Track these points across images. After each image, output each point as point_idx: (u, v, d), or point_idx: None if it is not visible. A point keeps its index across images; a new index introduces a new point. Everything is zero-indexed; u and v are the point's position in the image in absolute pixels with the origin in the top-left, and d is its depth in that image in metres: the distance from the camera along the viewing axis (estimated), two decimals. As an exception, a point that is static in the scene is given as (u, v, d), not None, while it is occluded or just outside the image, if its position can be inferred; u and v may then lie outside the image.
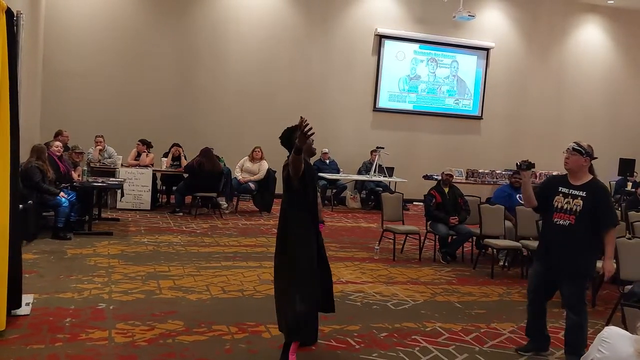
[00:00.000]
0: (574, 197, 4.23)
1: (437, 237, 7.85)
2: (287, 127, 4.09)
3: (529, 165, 4.41)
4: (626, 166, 14.13)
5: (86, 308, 4.90)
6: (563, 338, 4.45)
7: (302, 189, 3.94)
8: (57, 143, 8.41)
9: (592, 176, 4.30)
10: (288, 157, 4.02)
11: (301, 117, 3.71)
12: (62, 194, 7.57)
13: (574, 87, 14.93)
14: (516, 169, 4.62)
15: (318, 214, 4.11)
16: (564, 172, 4.44)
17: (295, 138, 3.89)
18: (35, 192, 7.32)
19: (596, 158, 4.35)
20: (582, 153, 4.23)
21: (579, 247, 4.19)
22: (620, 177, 13.81)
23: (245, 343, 4.38)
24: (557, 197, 4.30)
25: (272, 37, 12.70)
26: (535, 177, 12.53)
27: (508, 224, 7.64)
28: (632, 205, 9.06)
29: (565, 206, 4.25)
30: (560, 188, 4.31)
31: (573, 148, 4.26)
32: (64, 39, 11.54)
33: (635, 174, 13.82)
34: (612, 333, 2.10)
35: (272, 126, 12.56)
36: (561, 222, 4.25)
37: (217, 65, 12.46)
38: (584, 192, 4.21)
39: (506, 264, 7.62)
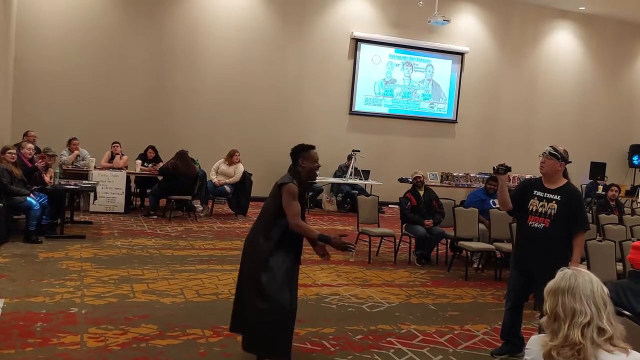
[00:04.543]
0: (549, 200, 4.29)
1: (412, 239, 7.90)
2: (302, 143, 4.11)
3: (506, 169, 4.46)
4: (597, 170, 14.39)
5: (58, 312, 4.82)
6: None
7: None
8: (30, 146, 8.28)
9: (566, 180, 4.37)
10: (289, 168, 4.01)
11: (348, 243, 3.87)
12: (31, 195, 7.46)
13: (546, 92, 15.18)
14: (493, 173, 4.68)
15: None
16: (537, 175, 4.51)
17: (301, 157, 3.95)
18: (4, 195, 7.18)
19: (570, 162, 4.42)
20: (558, 158, 4.29)
21: (553, 249, 4.26)
22: (591, 181, 14.07)
23: (219, 346, 4.35)
24: (532, 201, 4.36)
25: (248, 40, 12.67)
26: (509, 180, 12.69)
27: (482, 226, 7.74)
28: (603, 208, 9.24)
29: (540, 209, 4.31)
30: (535, 191, 4.37)
31: (549, 152, 4.31)
32: (36, 39, 11.35)
33: (605, 177, 14.09)
34: (532, 339, 2.18)
35: (247, 129, 12.74)
36: (536, 225, 4.32)
37: (192, 68, 12.38)
38: (559, 196, 4.27)
39: (480, 266, 7.70)
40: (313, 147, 4.08)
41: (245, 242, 4.08)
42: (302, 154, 4.01)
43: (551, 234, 4.25)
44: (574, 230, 4.27)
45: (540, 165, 4.38)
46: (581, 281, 2.02)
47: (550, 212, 4.26)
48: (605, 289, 2.04)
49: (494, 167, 4.53)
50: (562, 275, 2.07)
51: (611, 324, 1.97)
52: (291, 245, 3.95)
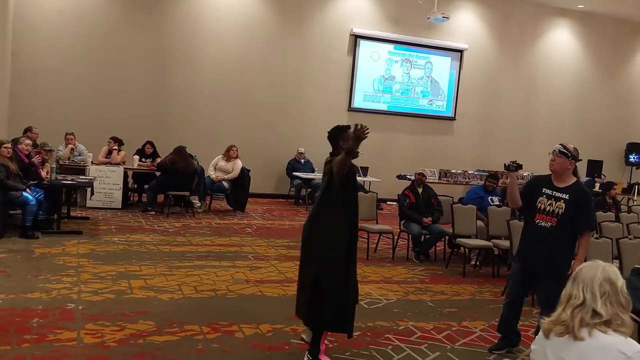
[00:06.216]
0: (557, 199, 4.26)
1: (410, 236, 7.90)
2: (337, 125, 4.16)
3: (517, 167, 4.45)
4: (594, 167, 14.41)
5: (54, 308, 4.80)
6: (533, 336, 4.51)
7: (342, 188, 3.95)
8: (28, 142, 8.24)
9: (575, 179, 4.35)
10: (331, 153, 4.09)
11: (360, 124, 3.77)
12: (28, 190, 7.43)
13: (544, 90, 15.17)
14: (504, 170, 4.67)
15: (357, 216, 4.15)
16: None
17: (341, 139, 4.00)
18: (0, 190, 7.15)
19: (580, 160, 4.40)
20: (568, 156, 4.25)
21: (559, 248, 4.24)
22: (588, 178, 14.07)
23: (217, 343, 4.34)
24: (540, 199, 4.32)
25: (247, 36, 12.63)
26: (507, 177, 12.70)
27: (480, 223, 7.73)
28: (600, 206, 9.25)
29: (548, 208, 4.27)
30: (544, 189, 4.33)
31: (559, 150, 4.27)
32: (33, 33, 11.29)
33: (603, 175, 14.09)
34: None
35: (246, 125, 12.71)
36: (543, 223, 4.29)
37: (191, 63, 12.33)
38: (567, 195, 4.23)
39: (477, 263, 7.70)
40: (349, 127, 4.09)
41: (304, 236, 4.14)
42: (340, 135, 4.06)
43: (557, 233, 4.23)
44: (580, 230, 4.26)
45: (549, 163, 4.33)
46: (585, 270, 2.20)
47: (558, 212, 4.23)
48: (617, 280, 2.16)
49: (505, 164, 4.52)
50: (583, 264, 2.28)
51: (607, 309, 2.11)
52: (347, 220, 4.00)
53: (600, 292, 2.12)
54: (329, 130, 4.15)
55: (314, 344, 4.07)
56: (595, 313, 2.10)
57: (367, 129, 3.71)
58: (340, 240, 3.95)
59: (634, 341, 2.09)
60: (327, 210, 3.99)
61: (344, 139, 4.01)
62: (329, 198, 3.99)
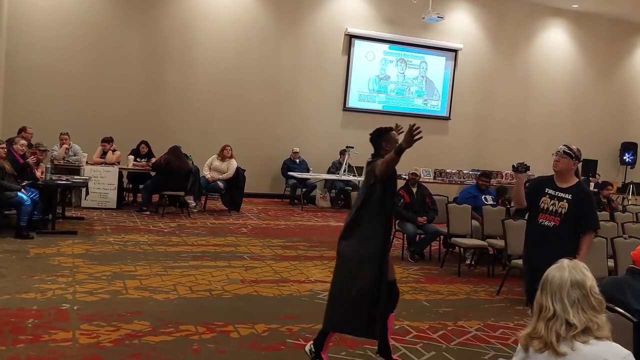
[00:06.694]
0: (560, 199, 4.31)
1: (404, 236, 7.92)
2: (379, 127, 4.16)
3: (525, 168, 4.49)
4: (589, 167, 14.47)
5: (49, 309, 4.79)
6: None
7: (382, 189, 3.92)
8: (23, 142, 8.21)
9: (577, 179, 4.41)
10: (372, 155, 4.09)
11: (412, 124, 3.73)
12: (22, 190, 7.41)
13: (540, 89, 15.21)
14: (512, 171, 4.71)
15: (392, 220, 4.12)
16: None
17: (384, 140, 4.02)
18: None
19: (582, 161, 4.46)
20: (572, 156, 4.31)
21: (561, 248, 4.25)
22: (583, 178, 14.12)
23: (213, 343, 4.34)
24: (543, 199, 4.38)
25: (242, 36, 12.62)
26: (502, 177, 12.76)
27: (475, 223, 7.75)
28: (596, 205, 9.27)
29: (551, 208, 4.33)
30: (547, 189, 4.39)
31: (564, 151, 4.33)
32: (27, 33, 11.25)
33: (597, 175, 14.15)
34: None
35: (241, 125, 12.71)
36: (546, 223, 4.34)
37: (186, 63, 12.32)
38: (570, 195, 4.30)
39: (472, 262, 7.72)
40: (391, 129, 4.13)
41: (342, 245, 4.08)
42: (384, 137, 4.07)
43: (561, 232, 4.27)
44: (583, 230, 4.30)
45: (553, 164, 4.40)
46: (551, 277, 2.10)
47: (561, 211, 4.28)
48: (585, 280, 2.07)
49: (513, 165, 4.55)
50: (550, 268, 2.15)
51: (580, 318, 2.01)
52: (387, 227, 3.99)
53: (570, 302, 2.03)
54: (370, 132, 4.15)
55: (320, 338, 4.07)
56: (569, 324, 2.02)
57: (418, 127, 3.73)
58: (377, 241, 3.94)
59: (618, 345, 2.04)
60: (367, 211, 3.96)
61: (387, 141, 4.04)
62: (370, 199, 3.95)
